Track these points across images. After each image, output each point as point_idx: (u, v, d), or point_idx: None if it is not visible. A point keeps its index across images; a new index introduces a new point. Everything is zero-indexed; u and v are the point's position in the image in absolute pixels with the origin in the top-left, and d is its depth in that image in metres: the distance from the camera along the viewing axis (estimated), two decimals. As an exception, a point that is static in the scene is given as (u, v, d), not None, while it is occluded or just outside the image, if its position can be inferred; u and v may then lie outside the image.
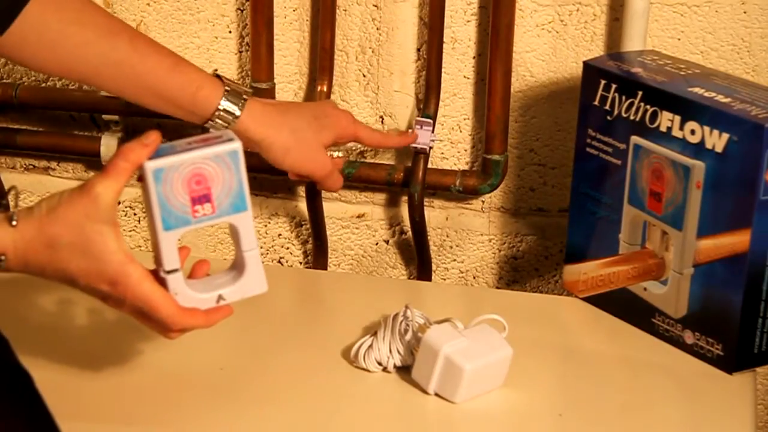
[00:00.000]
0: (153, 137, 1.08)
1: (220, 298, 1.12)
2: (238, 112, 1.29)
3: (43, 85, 1.64)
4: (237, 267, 1.13)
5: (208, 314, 1.12)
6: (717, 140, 1.25)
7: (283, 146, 1.32)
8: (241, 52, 1.60)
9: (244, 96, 1.29)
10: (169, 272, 1.09)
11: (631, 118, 1.32)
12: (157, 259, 1.10)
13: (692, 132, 1.27)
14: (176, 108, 1.28)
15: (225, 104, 1.28)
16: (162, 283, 1.09)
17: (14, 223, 1.07)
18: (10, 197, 1.15)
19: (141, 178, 1.08)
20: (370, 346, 1.27)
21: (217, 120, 1.28)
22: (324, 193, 1.60)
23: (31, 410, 1.06)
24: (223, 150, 1.09)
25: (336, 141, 1.37)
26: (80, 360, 1.27)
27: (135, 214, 1.69)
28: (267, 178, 1.63)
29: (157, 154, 1.07)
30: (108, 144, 1.62)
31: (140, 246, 1.70)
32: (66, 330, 1.33)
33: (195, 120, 1.29)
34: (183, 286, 1.10)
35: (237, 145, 1.09)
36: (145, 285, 1.08)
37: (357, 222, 1.65)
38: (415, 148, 1.52)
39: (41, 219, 1.07)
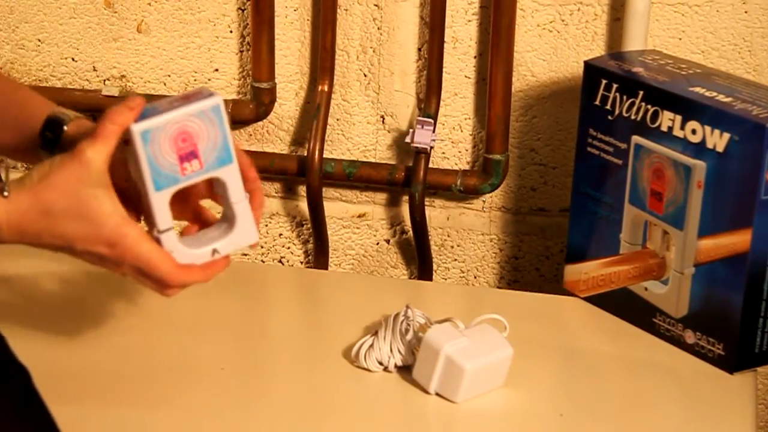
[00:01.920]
0: (138, 101, 1.08)
1: (214, 251, 1.13)
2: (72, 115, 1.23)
3: (44, 85, 1.64)
4: (228, 220, 1.14)
5: (205, 269, 1.12)
6: (718, 140, 1.25)
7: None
8: (242, 51, 1.60)
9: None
10: (162, 232, 1.10)
11: (632, 117, 1.32)
12: (150, 221, 1.11)
13: (693, 132, 1.27)
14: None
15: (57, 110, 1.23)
16: (156, 243, 1.10)
17: (6, 194, 1.07)
18: (1, 170, 1.14)
19: (128, 142, 1.08)
20: (371, 345, 1.27)
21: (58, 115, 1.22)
22: (325, 193, 1.60)
23: (28, 406, 1.06)
24: (206, 105, 1.10)
25: None
26: (78, 358, 1.27)
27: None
28: (267, 178, 1.63)
29: (141, 117, 1.08)
30: (109, 144, 1.62)
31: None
32: (64, 328, 1.33)
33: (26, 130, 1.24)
34: (177, 244, 1.11)
35: (218, 100, 1.10)
36: (144, 245, 1.08)
37: (358, 222, 1.65)
38: (416, 147, 1.52)
39: (33, 188, 1.07)
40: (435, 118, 1.53)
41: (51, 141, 1.20)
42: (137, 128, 1.07)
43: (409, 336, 1.26)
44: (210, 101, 1.10)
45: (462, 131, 1.58)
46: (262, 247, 1.67)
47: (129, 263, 1.09)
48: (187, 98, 1.10)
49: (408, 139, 1.53)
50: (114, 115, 1.08)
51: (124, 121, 1.08)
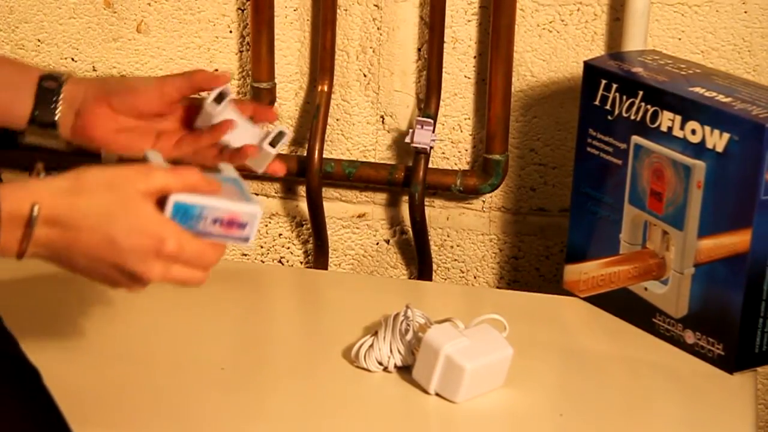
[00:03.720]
0: (215, 185, 1.04)
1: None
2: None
3: (44, 84, 1.64)
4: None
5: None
6: (718, 140, 1.25)
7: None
8: (241, 51, 1.60)
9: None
10: None
11: (632, 117, 1.32)
12: None
13: (693, 132, 1.27)
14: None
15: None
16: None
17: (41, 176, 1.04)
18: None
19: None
20: (371, 345, 1.27)
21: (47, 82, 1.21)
22: (325, 193, 1.60)
23: (39, 405, 1.06)
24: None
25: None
26: (83, 358, 1.27)
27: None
28: (267, 178, 1.63)
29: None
30: (109, 144, 1.62)
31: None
32: (68, 328, 1.33)
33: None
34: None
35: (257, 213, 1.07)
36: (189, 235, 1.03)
37: (358, 222, 1.65)
38: (416, 147, 1.52)
39: (72, 176, 1.01)
40: (435, 118, 1.53)
41: (51, 92, 1.18)
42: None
43: (409, 336, 1.26)
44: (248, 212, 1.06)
45: (462, 131, 1.58)
46: (261, 247, 1.67)
47: (189, 251, 1.01)
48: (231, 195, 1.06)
49: (408, 139, 1.53)
50: (199, 176, 1.03)
51: (197, 183, 1.03)
